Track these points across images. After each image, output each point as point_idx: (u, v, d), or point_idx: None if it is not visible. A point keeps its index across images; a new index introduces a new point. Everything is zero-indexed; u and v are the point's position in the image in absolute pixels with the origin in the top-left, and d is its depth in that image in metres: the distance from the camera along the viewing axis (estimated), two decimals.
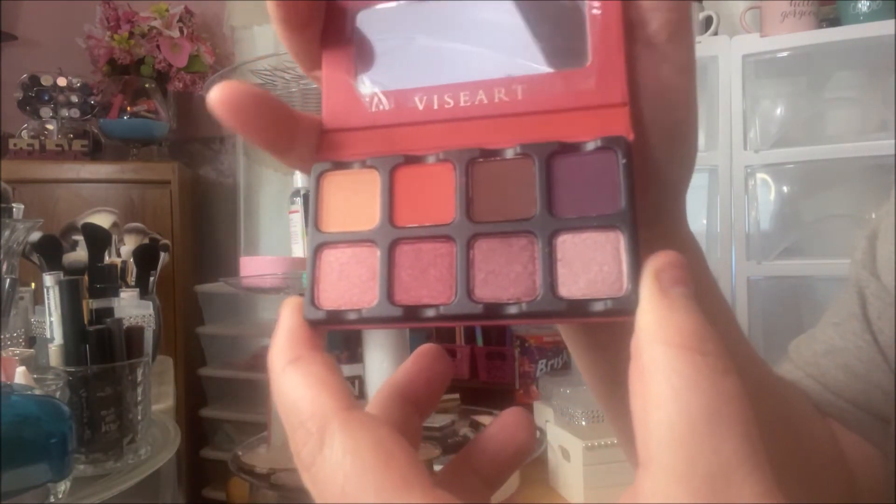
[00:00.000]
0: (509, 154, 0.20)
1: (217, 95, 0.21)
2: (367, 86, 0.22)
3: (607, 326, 0.26)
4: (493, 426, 0.23)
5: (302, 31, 0.22)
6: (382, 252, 0.20)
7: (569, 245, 0.19)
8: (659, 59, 0.21)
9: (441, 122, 0.21)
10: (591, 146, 0.20)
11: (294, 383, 0.18)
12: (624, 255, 0.18)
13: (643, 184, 0.23)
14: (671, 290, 0.17)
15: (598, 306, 0.18)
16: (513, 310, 0.19)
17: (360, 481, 0.16)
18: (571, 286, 0.19)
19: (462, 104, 0.21)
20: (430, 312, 0.19)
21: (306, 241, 0.21)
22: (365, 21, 0.22)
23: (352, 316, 0.20)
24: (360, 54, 0.22)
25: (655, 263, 0.17)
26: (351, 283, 0.20)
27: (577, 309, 0.18)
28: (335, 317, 0.20)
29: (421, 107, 0.22)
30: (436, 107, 0.22)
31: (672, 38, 0.21)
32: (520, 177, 0.20)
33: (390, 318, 0.19)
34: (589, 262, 0.19)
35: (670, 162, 0.24)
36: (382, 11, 0.23)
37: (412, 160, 0.21)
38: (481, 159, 0.20)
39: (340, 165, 0.21)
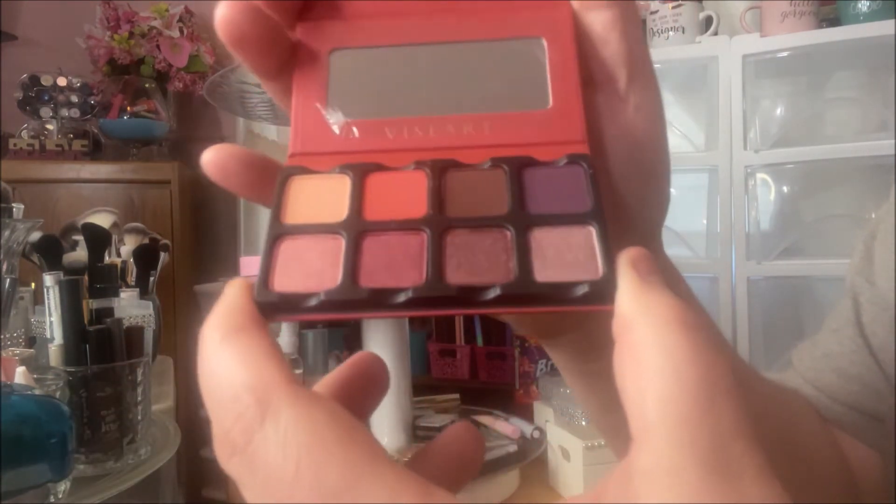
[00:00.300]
0: (482, 167, 0.21)
1: (207, 158, 0.23)
2: (336, 116, 0.22)
3: (587, 324, 0.27)
4: (438, 440, 0.22)
5: (278, 79, 0.23)
6: (348, 241, 0.19)
7: (542, 238, 0.19)
8: (631, 110, 0.23)
9: (410, 150, 0.22)
10: (559, 163, 0.21)
11: (232, 353, 0.16)
12: (597, 247, 0.19)
13: (618, 227, 0.24)
14: (649, 277, 0.17)
15: (576, 291, 0.18)
16: (489, 294, 0.18)
17: (322, 455, 0.14)
18: (548, 272, 0.18)
19: (431, 135, 0.22)
20: (400, 297, 0.18)
21: (265, 234, 0.20)
22: (337, 60, 0.23)
23: (311, 301, 0.18)
24: (331, 88, 0.23)
25: (629, 255, 0.18)
26: (311, 268, 0.19)
27: (554, 293, 0.18)
28: (291, 301, 0.18)
29: (391, 136, 0.22)
30: (405, 136, 0.22)
31: (639, 90, 0.23)
32: (492, 183, 0.21)
33: (355, 302, 0.18)
34: (563, 253, 0.19)
35: (645, 204, 0.25)
36: (355, 52, 0.23)
37: (385, 168, 0.21)
38: (454, 168, 0.21)
39: (310, 171, 0.22)
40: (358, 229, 0.19)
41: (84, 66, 1.91)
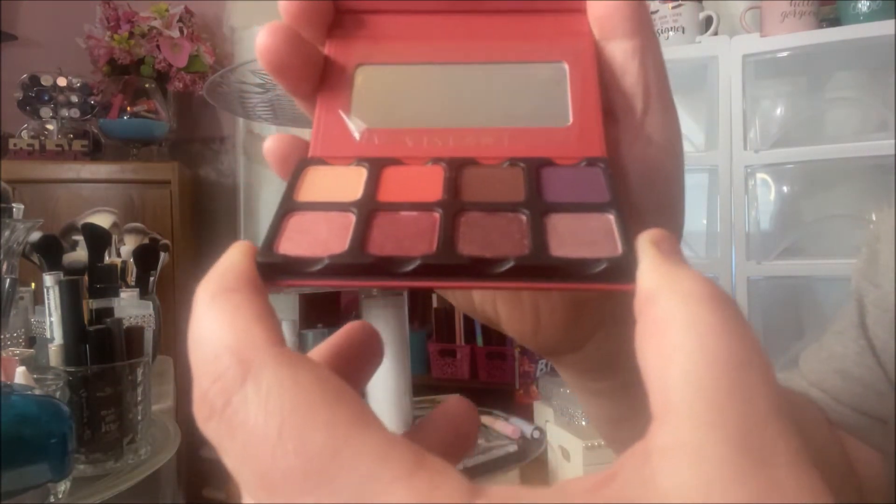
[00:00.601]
0: (500, 165, 0.21)
1: (269, 148, 0.23)
2: (358, 123, 0.23)
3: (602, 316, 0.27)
4: (432, 416, 0.21)
5: (312, 98, 0.24)
6: (359, 216, 0.19)
7: (558, 221, 0.19)
8: (644, 141, 0.23)
9: (429, 158, 0.22)
10: (577, 164, 0.21)
11: (218, 313, 0.15)
12: (616, 231, 0.18)
13: None
14: (672, 256, 0.16)
15: (594, 267, 0.17)
16: (502, 266, 0.17)
17: (308, 418, 0.13)
18: (564, 249, 0.18)
19: (450, 145, 0.22)
20: (408, 265, 0.17)
21: (276, 210, 0.19)
22: (363, 73, 0.24)
23: (315, 266, 0.17)
24: (355, 98, 0.23)
25: (649, 234, 0.17)
26: (318, 237, 0.18)
27: (571, 268, 0.17)
28: (294, 264, 0.17)
29: (410, 144, 0.22)
30: (425, 145, 0.22)
31: (653, 123, 0.23)
32: (509, 178, 0.21)
33: (360, 267, 0.17)
34: (580, 234, 0.18)
35: None
36: (381, 67, 0.24)
37: (402, 163, 0.22)
38: (471, 165, 0.21)
39: (327, 163, 0.22)
40: (370, 207, 0.19)
41: (84, 66, 1.91)
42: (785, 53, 1.24)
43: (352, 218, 0.19)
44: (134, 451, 0.70)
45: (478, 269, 0.17)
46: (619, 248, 0.17)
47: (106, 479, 0.64)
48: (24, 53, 2.02)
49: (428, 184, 0.20)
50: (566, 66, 0.23)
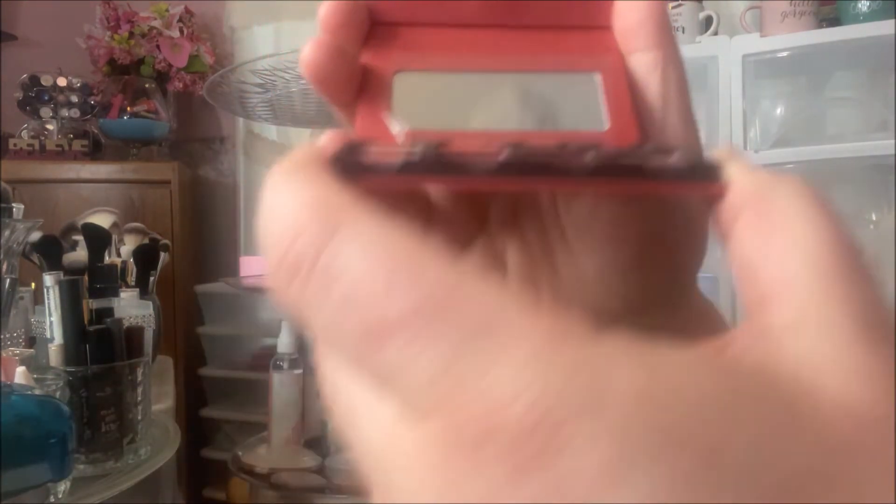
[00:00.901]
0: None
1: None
2: (401, 126, 0.23)
3: None
4: None
5: (351, 106, 0.24)
6: (426, 150, 0.19)
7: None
8: None
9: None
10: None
11: (293, 184, 0.14)
12: (688, 153, 0.18)
13: (654, 266, 0.25)
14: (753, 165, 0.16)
15: (682, 165, 0.17)
16: (587, 157, 0.17)
17: (417, 258, 0.13)
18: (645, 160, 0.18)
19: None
20: (492, 161, 0.17)
21: None
22: (401, 80, 0.24)
23: (393, 164, 0.17)
24: (395, 103, 0.24)
25: (725, 150, 0.17)
26: (388, 153, 0.18)
27: (659, 166, 0.17)
28: (370, 163, 0.17)
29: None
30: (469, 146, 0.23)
31: (675, 136, 0.23)
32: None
33: (441, 163, 0.17)
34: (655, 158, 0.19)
35: (679, 246, 0.25)
36: (420, 74, 0.25)
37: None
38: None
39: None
40: (436, 149, 0.19)
41: (84, 66, 1.91)
42: (785, 53, 1.24)
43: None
44: (134, 451, 0.70)
45: (564, 165, 0.17)
46: (700, 158, 0.17)
47: (106, 479, 0.64)
48: (24, 53, 2.02)
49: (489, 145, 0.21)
50: (599, 77, 0.24)
